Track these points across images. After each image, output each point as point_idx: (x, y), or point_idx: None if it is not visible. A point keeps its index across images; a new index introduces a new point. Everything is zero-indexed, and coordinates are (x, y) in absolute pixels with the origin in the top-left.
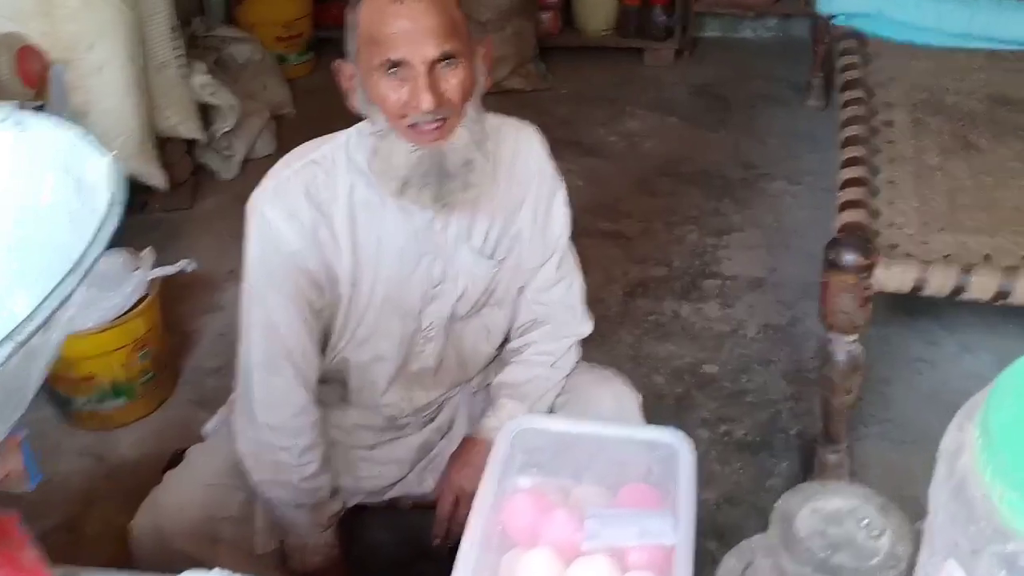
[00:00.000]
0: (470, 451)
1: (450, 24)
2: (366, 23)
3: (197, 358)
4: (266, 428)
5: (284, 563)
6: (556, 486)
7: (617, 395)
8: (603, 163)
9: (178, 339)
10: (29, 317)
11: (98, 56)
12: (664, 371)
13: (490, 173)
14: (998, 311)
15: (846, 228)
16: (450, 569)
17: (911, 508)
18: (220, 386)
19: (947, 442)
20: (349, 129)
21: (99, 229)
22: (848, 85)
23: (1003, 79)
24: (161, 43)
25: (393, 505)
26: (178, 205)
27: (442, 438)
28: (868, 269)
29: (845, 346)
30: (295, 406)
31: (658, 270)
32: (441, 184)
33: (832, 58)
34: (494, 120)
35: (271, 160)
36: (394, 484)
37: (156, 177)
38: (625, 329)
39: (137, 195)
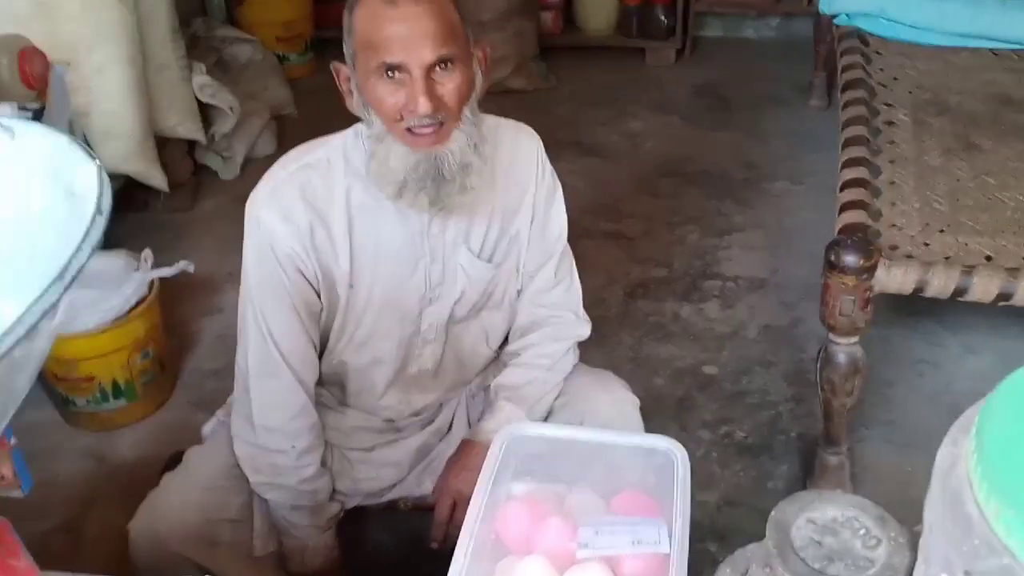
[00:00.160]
0: (468, 454)
1: (447, 28)
2: (362, 27)
3: (196, 360)
4: (264, 430)
5: (283, 565)
6: (550, 493)
7: (615, 399)
8: (604, 163)
9: (178, 341)
10: (10, 328)
11: (99, 57)
12: (665, 372)
13: (487, 176)
14: (1002, 312)
15: (847, 229)
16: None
17: (912, 512)
18: (219, 388)
19: (941, 457)
20: (346, 131)
21: (84, 237)
22: (850, 85)
23: (1006, 79)
24: (162, 44)
25: (392, 507)
26: (179, 206)
27: (440, 440)
28: (869, 270)
29: (846, 347)
30: (293, 409)
31: (659, 271)
32: (438, 187)
33: (834, 58)
34: (491, 122)
35: (272, 161)
36: (393, 486)
37: (157, 178)
38: (626, 330)
39: (138, 196)
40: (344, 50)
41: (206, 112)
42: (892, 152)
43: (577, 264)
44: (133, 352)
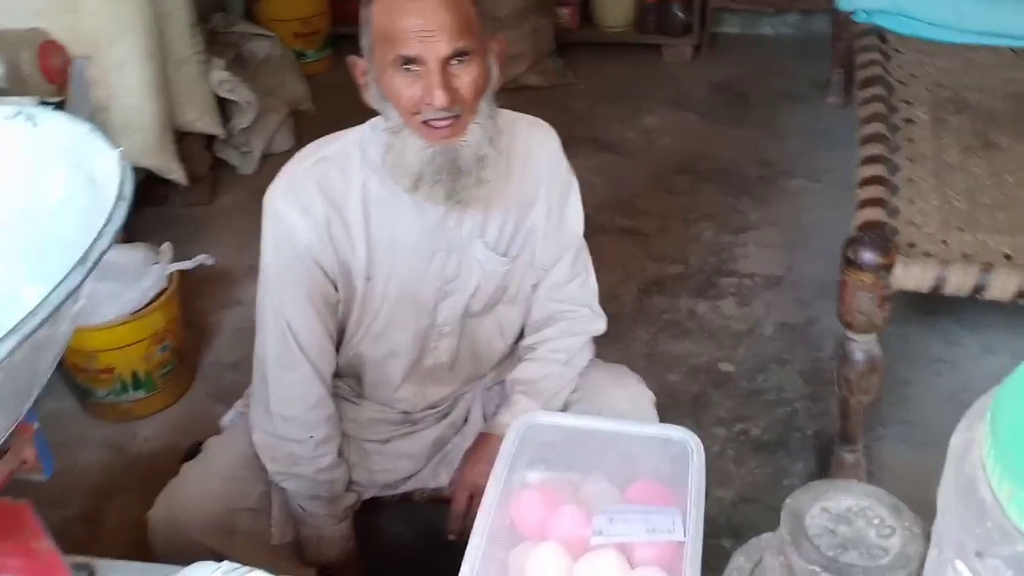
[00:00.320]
0: (484, 447)
1: (463, 21)
2: (379, 20)
3: (215, 352)
4: (281, 421)
5: (300, 554)
6: (565, 481)
7: (631, 394)
8: (620, 159)
9: (197, 333)
10: (34, 310)
11: (119, 52)
12: (680, 369)
13: (503, 169)
14: (1020, 311)
15: (865, 226)
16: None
17: (929, 511)
18: (238, 380)
19: (955, 442)
20: (363, 125)
21: (106, 223)
22: (868, 82)
23: None
24: (181, 39)
25: (408, 499)
26: (197, 200)
27: (456, 433)
28: (887, 268)
29: (863, 345)
30: (310, 400)
31: (675, 267)
32: (454, 180)
33: (852, 55)
34: (508, 116)
35: (289, 156)
36: (408, 478)
37: (176, 172)
38: (641, 327)
39: (157, 190)
40: (361, 43)
41: (224, 107)
42: (910, 149)
43: (593, 260)
44: (152, 344)
